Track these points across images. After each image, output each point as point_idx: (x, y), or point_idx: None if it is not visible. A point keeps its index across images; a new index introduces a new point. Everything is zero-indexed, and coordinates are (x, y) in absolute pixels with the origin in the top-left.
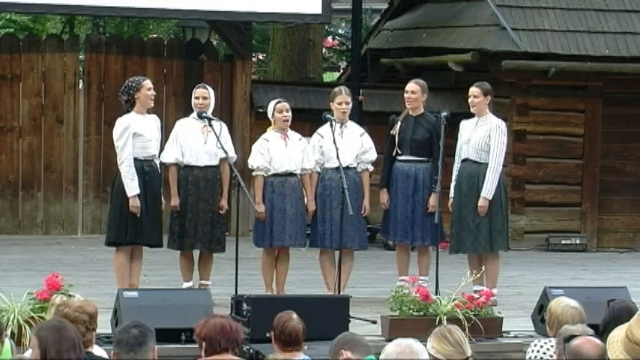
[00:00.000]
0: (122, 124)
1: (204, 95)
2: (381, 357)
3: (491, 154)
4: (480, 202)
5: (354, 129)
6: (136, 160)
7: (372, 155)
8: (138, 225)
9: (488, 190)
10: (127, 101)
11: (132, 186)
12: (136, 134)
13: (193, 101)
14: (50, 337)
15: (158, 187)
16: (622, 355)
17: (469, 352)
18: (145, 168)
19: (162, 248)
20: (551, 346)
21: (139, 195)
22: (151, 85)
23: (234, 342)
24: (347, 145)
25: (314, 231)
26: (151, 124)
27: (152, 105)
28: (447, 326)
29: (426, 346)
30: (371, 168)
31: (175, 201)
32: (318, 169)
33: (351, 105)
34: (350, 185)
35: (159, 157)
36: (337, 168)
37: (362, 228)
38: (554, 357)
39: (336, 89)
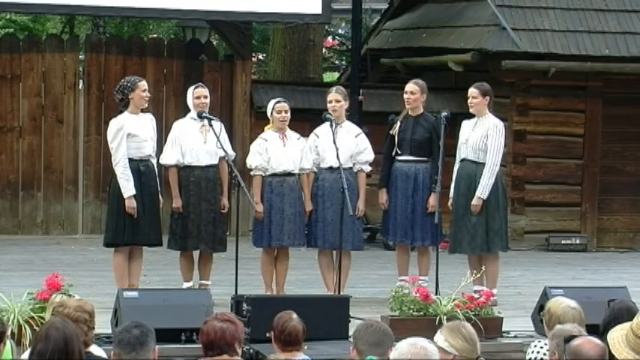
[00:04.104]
0: (116, 125)
1: (205, 94)
2: (392, 355)
3: (488, 154)
4: (474, 202)
5: (349, 129)
6: (131, 160)
7: (368, 156)
8: (135, 226)
9: (482, 189)
10: (121, 100)
11: (128, 187)
12: (130, 135)
13: (193, 101)
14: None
15: (155, 187)
16: (629, 355)
17: (479, 352)
18: (140, 168)
19: (163, 248)
20: (548, 349)
21: (135, 196)
22: (146, 87)
23: (229, 346)
24: (341, 145)
25: (309, 231)
26: (146, 123)
27: (146, 106)
28: (461, 322)
29: (434, 342)
30: (367, 169)
31: (177, 202)
32: (315, 169)
33: (343, 104)
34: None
35: (155, 156)
36: (330, 168)
37: (356, 229)
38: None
39: (330, 88)
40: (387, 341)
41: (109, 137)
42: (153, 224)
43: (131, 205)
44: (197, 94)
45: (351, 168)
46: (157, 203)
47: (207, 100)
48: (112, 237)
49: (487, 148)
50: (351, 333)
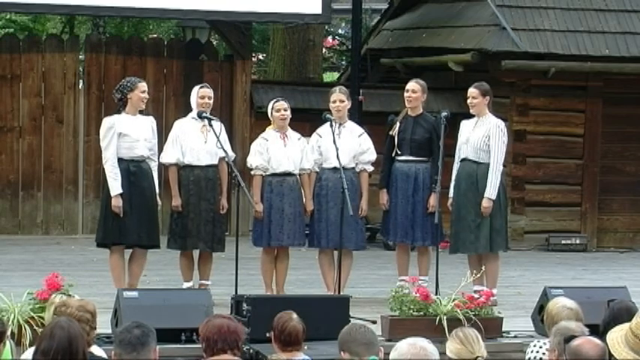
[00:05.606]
0: (107, 124)
1: (210, 95)
2: (392, 356)
3: (491, 154)
4: (484, 203)
5: (352, 129)
6: (121, 160)
7: (371, 156)
8: (121, 225)
9: (491, 190)
10: (119, 100)
11: (114, 186)
12: (121, 134)
13: (197, 100)
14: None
15: (149, 188)
16: (629, 355)
17: (479, 352)
18: (130, 168)
19: (163, 248)
20: (549, 346)
21: (122, 195)
22: (146, 88)
23: (233, 343)
24: (344, 145)
25: (311, 231)
26: (143, 125)
27: (144, 107)
28: (464, 327)
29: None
30: (369, 168)
31: (177, 201)
32: (317, 169)
33: (346, 104)
34: (347, 185)
35: (156, 159)
36: (334, 168)
37: (359, 228)
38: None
39: (333, 88)
40: (377, 341)
41: (100, 136)
42: (144, 225)
43: (117, 204)
44: (202, 94)
45: (353, 168)
46: (152, 205)
47: (211, 102)
48: (101, 237)
49: (489, 148)
50: None
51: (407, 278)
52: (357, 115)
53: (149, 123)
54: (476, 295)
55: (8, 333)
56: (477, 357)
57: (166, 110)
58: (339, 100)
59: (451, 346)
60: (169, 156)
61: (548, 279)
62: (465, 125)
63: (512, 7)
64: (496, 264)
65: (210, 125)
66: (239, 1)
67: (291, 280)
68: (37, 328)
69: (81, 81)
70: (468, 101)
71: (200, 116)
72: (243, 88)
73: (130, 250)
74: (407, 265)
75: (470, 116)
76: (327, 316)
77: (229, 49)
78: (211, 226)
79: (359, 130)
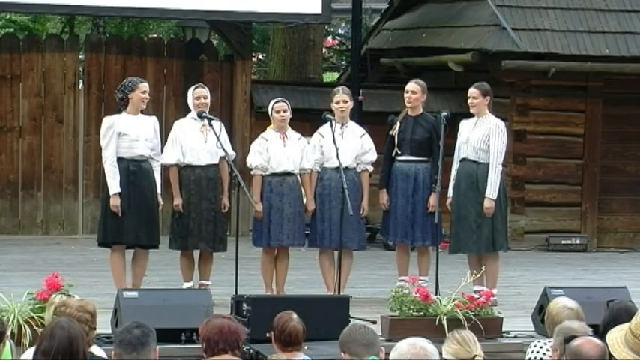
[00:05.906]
0: (107, 123)
1: (205, 95)
2: (392, 356)
3: (491, 154)
4: (486, 204)
5: (354, 129)
6: (121, 159)
7: (372, 156)
8: (120, 224)
9: (492, 190)
10: (120, 99)
11: (112, 185)
12: (121, 134)
13: (193, 101)
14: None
15: (149, 187)
16: (628, 355)
17: (476, 351)
18: (130, 167)
19: (163, 248)
20: (552, 346)
21: (121, 195)
22: (147, 89)
23: (233, 343)
24: (347, 145)
25: (313, 231)
26: (144, 125)
27: (144, 107)
28: (459, 329)
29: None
30: (370, 169)
31: (178, 201)
32: (318, 169)
33: (350, 104)
34: (349, 185)
35: (157, 159)
36: (337, 168)
37: (360, 228)
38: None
39: (335, 89)
40: (378, 341)
41: (100, 135)
42: (142, 224)
43: (115, 203)
44: (197, 95)
45: (355, 168)
46: (152, 204)
47: (208, 101)
48: (101, 236)
49: (489, 148)
50: None
51: (407, 278)
52: (357, 115)
53: (151, 123)
54: (476, 295)
55: (8, 333)
56: (475, 356)
57: (166, 110)
58: (343, 100)
59: (448, 348)
60: (170, 157)
61: (548, 279)
62: (465, 125)
63: (512, 7)
64: (496, 264)
65: (210, 125)
66: (239, 1)
67: (291, 280)
68: (37, 328)
69: (81, 81)
70: (469, 101)
71: (200, 116)
72: (243, 88)
73: (132, 251)
74: (407, 265)
75: (469, 116)
76: (327, 316)
77: (229, 49)
78: (212, 226)
79: (361, 130)
